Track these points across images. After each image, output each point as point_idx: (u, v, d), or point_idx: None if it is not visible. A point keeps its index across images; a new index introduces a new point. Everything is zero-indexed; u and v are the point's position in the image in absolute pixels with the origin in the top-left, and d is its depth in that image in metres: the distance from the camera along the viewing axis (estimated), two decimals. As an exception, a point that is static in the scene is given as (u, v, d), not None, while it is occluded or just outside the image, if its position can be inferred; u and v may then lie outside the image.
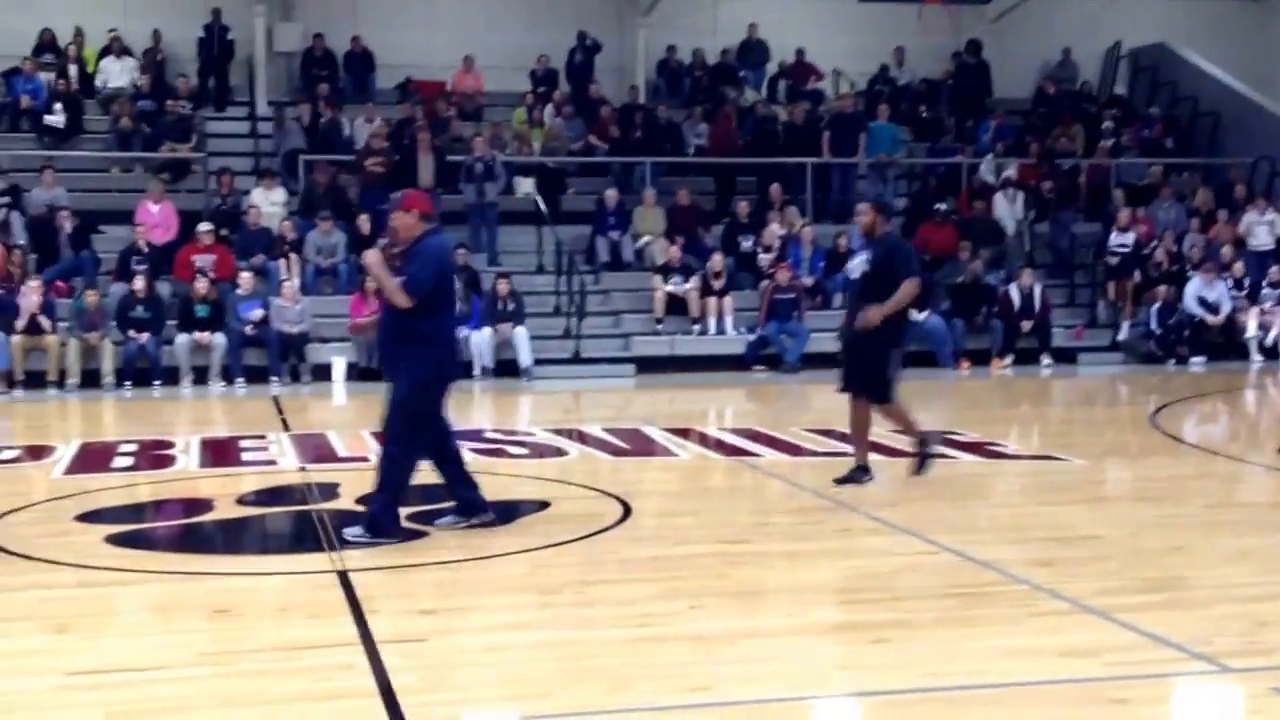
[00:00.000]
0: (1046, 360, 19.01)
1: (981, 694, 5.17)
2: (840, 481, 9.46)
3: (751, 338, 18.57)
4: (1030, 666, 5.48)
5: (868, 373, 9.43)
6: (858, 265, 9.57)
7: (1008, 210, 21.39)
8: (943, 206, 20.88)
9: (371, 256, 8.15)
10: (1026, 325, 19.06)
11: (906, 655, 5.63)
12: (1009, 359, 18.95)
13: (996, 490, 10.12)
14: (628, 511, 8.74)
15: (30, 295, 16.84)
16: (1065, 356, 19.25)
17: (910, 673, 5.40)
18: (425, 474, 8.03)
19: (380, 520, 7.85)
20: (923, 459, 9.65)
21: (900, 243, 10.15)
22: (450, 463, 8.17)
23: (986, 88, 24.80)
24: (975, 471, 10.58)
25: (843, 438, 12.01)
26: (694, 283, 18.84)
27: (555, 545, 7.75)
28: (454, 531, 8.07)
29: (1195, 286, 19.58)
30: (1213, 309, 19.49)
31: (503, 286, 17.92)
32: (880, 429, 10.27)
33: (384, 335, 8.28)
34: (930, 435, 9.83)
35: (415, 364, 7.90)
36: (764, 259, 19.65)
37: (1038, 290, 19.26)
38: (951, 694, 5.17)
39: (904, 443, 11.69)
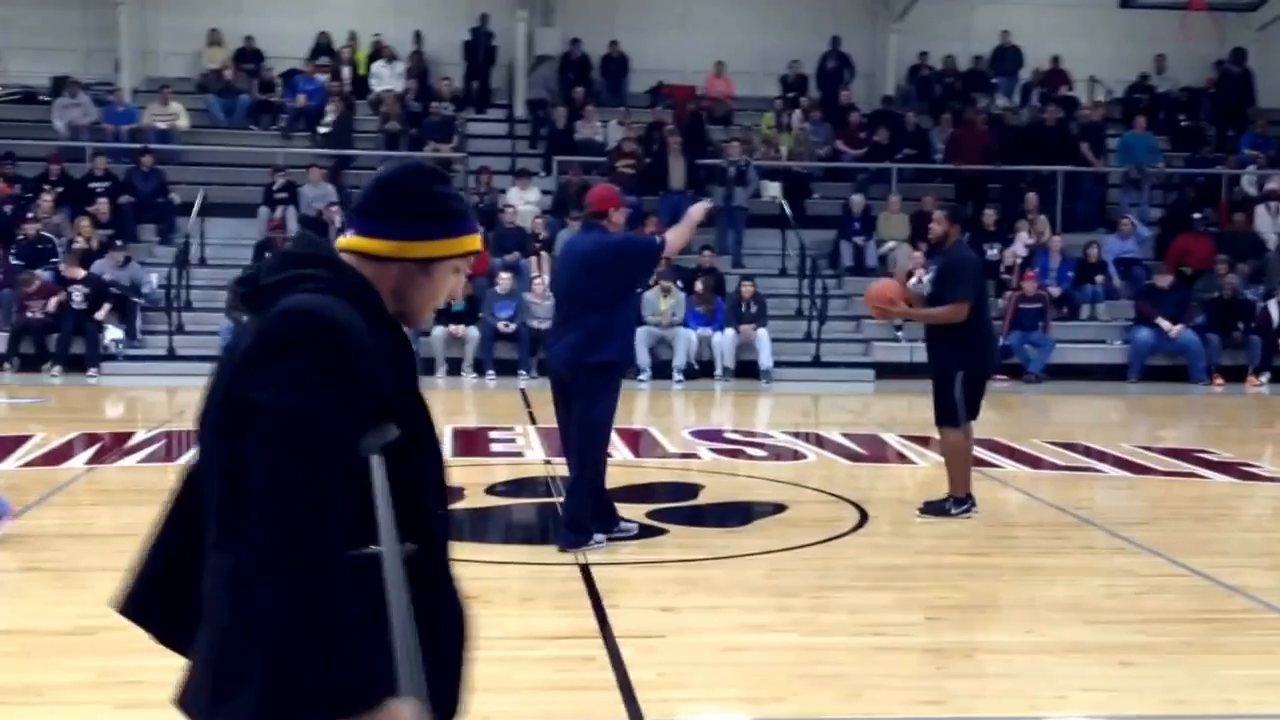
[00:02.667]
0: (1308, 380, 18.25)
1: (1229, 724, 5.06)
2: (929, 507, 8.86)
3: (995, 347, 18.25)
4: (1282, 698, 5.33)
5: (935, 394, 8.77)
6: (929, 281, 9.02)
7: (1270, 223, 20.60)
8: (1198, 216, 20.25)
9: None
10: (1287, 343, 18.35)
11: (1152, 680, 5.52)
12: (1265, 376, 18.26)
13: (1249, 512, 9.79)
14: (864, 518, 8.75)
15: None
16: (1328, 377, 18.43)
17: (1156, 698, 5.30)
18: (665, 472, 8.15)
19: None
20: (941, 507, 8.78)
21: (963, 259, 8.87)
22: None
23: (1250, 97, 23.91)
24: (1227, 492, 10.24)
25: (1086, 451, 11.86)
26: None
27: (792, 549, 7.81)
28: (690, 531, 8.24)
29: None
30: None
31: (746, 289, 18.08)
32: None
33: None
34: (969, 496, 8.82)
35: None
36: (1006, 270, 19.35)
37: (1300, 307, 18.50)
38: (1198, 722, 5.07)
39: (1150, 459, 11.45)
